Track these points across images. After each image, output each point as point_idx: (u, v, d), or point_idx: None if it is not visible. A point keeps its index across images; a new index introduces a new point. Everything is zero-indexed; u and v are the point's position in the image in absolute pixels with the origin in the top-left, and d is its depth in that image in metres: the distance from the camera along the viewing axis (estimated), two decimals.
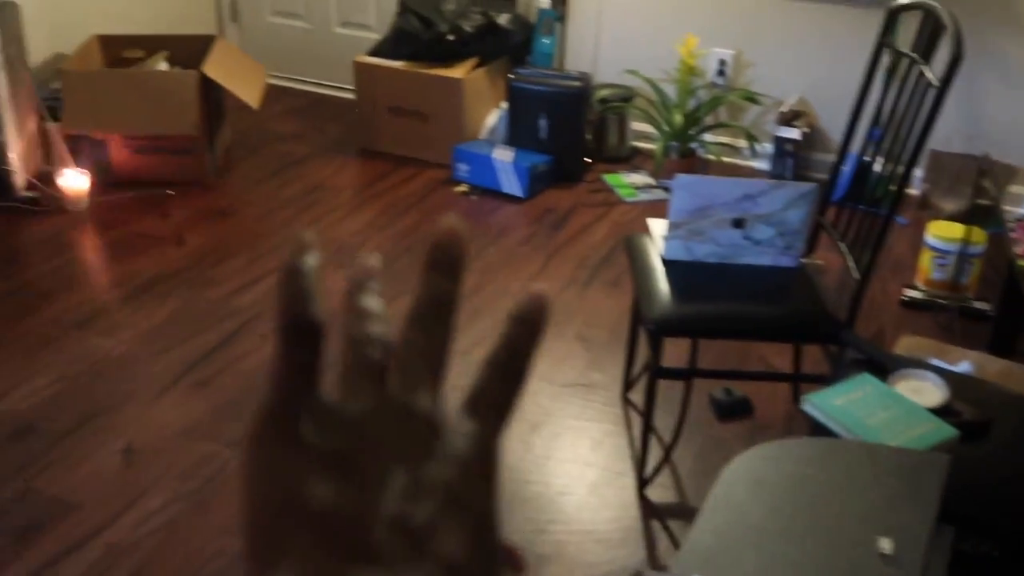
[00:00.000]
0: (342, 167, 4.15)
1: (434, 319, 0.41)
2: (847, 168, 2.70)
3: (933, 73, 2.12)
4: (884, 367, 2.00)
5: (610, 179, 4.09)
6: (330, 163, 4.17)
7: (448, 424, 0.39)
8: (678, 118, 3.98)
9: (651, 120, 4.10)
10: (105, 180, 3.77)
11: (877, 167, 2.35)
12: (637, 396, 2.72)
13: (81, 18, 4.17)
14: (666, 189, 3.99)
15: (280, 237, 3.55)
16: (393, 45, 4.16)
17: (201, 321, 3.04)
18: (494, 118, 4.18)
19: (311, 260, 0.41)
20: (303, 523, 0.37)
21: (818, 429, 1.87)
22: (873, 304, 3.18)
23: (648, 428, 2.36)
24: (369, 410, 0.39)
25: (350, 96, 4.48)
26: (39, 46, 3.98)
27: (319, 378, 0.39)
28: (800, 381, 2.62)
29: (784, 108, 4.04)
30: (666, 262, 2.37)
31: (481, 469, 0.39)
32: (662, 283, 2.30)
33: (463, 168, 3.96)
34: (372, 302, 0.42)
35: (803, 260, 2.38)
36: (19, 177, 3.63)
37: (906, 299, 3.25)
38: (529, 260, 3.47)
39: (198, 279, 3.27)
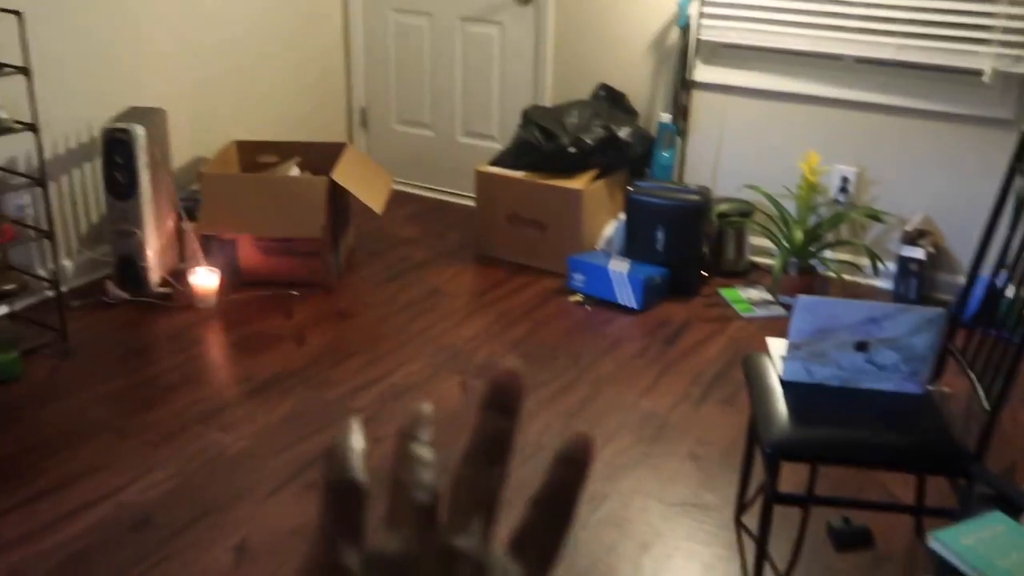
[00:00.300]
0: (459, 273, 4.22)
1: (488, 457, 0.41)
2: (977, 291, 2.62)
3: None
4: (1017, 505, 1.90)
5: (726, 294, 4.06)
6: (448, 268, 4.25)
7: (495, 567, 0.39)
8: (798, 234, 3.93)
9: (770, 235, 4.06)
10: (233, 279, 3.92)
11: (1009, 291, 2.27)
12: (751, 520, 2.64)
13: (221, 124, 4.40)
14: (784, 306, 3.93)
15: (397, 340, 3.61)
16: (515, 155, 4.25)
17: (318, 421, 3.09)
18: (611, 229, 4.21)
19: (356, 440, 0.42)
20: None
21: (944, 568, 1.77)
22: (1005, 436, 3.04)
23: (762, 555, 2.28)
24: (415, 552, 0.39)
25: (470, 203, 4.59)
26: (181, 149, 4.21)
27: (363, 531, 0.40)
28: (924, 514, 2.50)
29: (908, 227, 3.96)
30: (785, 383, 2.32)
31: None
32: (781, 404, 2.25)
33: (578, 278, 3.99)
34: (422, 449, 0.43)
35: (929, 387, 2.30)
36: (154, 273, 3.81)
37: None
38: (642, 373, 3.44)
39: (317, 379, 3.34)
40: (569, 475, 0.42)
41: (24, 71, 3.22)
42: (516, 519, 0.41)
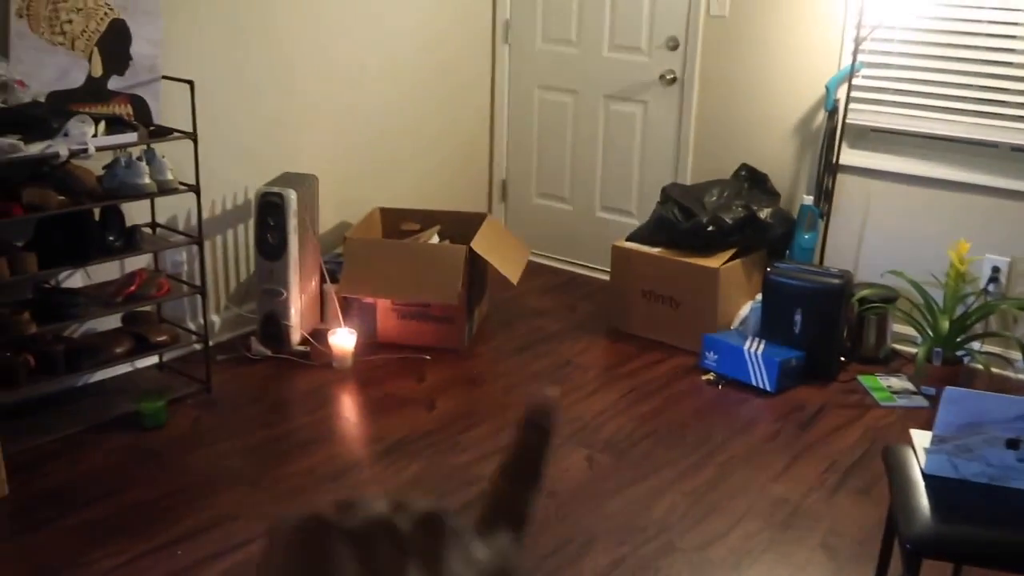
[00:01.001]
0: (591, 345, 4.22)
1: (521, 471, 0.42)
2: None
3: None
4: None
5: (866, 381, 3.93)
6: (579, 340, 4.26)
7: (472, 534, 0.40)
8: (944, 324, 3.79)
9: (914, 323, 3.93)
10: (370, 341, 4.02)
11: None
12: None
13: (368, 190, 4.55)
14: (927, 396, 3.78)
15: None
16: (652, 231, 4.25)
17: (444, 485, 3.11)
18: (747, 309, 4.15)
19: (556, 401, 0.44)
20: None
21: None
22: None
23: None
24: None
25: (604, 277, 4.60)
26: (328, 213, 4.37)
27: (541, 471, 0.41)
28: None
29: None
30: (928, 477, 2.22)
31: None
32: (923, 499, 2.15)
33: (711, 356, 3.93)
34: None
35: None
36: (296, 332, 3.93)
37: None
38: (773, 457, 3.35)
39: (445, 444, 3.37)
40: (534, 439, 0.42)
41: (192, 136, 3.41)
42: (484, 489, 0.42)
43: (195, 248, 3.68)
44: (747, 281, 4.23)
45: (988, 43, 3.85)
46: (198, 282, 3.67)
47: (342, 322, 3.94)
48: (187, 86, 3.38)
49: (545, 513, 2.92)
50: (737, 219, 4.12)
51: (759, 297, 4.09)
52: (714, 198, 4.21)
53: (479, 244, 3.97)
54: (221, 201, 4.01)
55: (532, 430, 0.43)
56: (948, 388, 2.18)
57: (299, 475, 3.14)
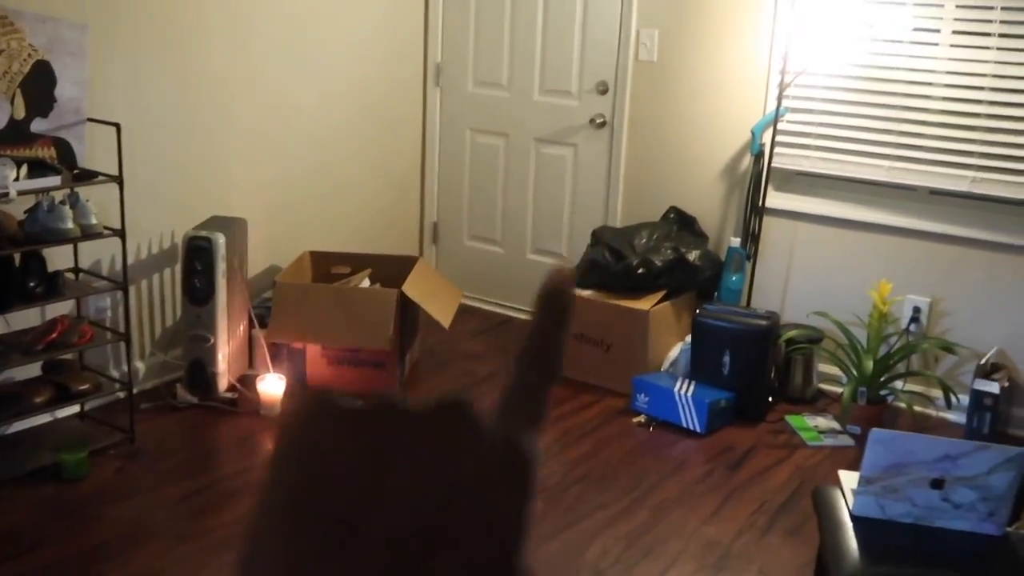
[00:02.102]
0: None
1: (538, 358, 0.41)
2: None
3: None
4: None
5: (793, 421, 3.98)
6: None
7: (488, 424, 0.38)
8: (868, 364, 3.87)
9: (839, 363, 4.00)
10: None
11: None
12: None
13: (297, 234, 4.51)
14: (852, 435, 3.85)
15: None
16: (583, 274, 4.28)
17: None
18: (677, 351, 4.19)
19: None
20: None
21: None
22: None
23: None
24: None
25: None
26: (257, 258, 4.31)
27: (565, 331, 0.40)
28: None
29: (983, 360, 3.88)
30: (856, 518, 2.25)
31: (511, 468, 0.37)
32: (852, 541, 2.18)
33: (642, 398, 3.95)
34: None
35: (1008, 529, 2.22)
36: (223, 378, 3.86)
37: None
38: (705, 499, 3.37)
39: None
40: (549, 321, 0.40)
41: (118, 180, 3.35)
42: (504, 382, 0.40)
43: (119, 294, 3.60)
44: (677, 323, 4.27)
45: (906, 90, 3.97)
46: (122, 328, 3.59)
47: (271, 368, 3.89)
48: (113, 128, 3.33)
49: None
50: (666, 261, 4.17)
51: (688, 339, 4.13)
52: (644, 240, 4.25)
53: (410, 287, 3.96)
54: (147, 245, 3.94)
55: (547, 312, 0.41)
56: (874, 430, 2.22)
57: (227, 527, 3.06)
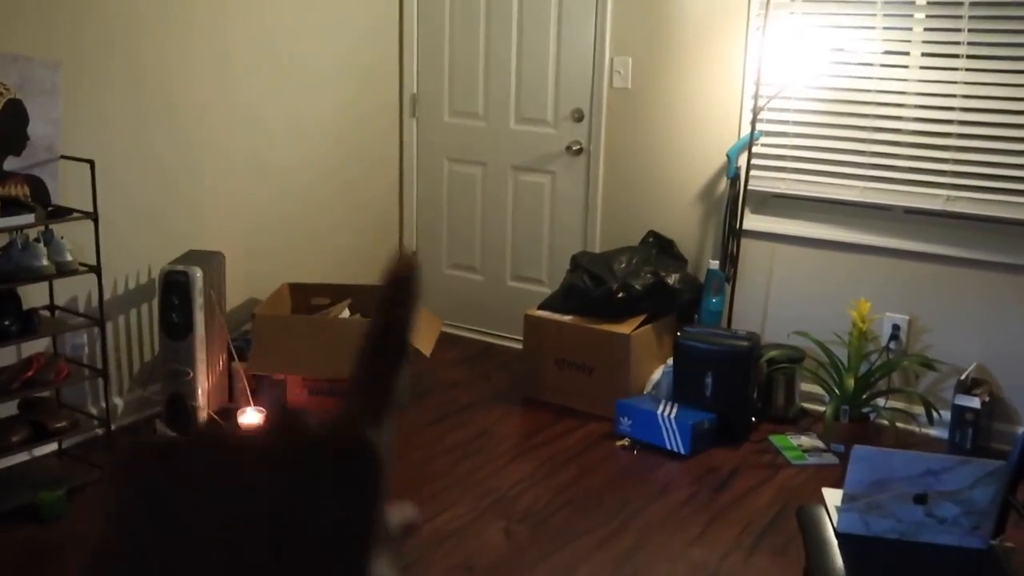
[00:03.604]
0: (506, 415, 4.20)
1: (381, 349, 0.41)
2: None
3: None
4: None
5: (777, 440, 3.99)
6: (494, 411, 4.24)
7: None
8: (850, 382, 3.88)
9: (820, 382, 4.01)
10: None
11: None
12: None
13: (276, 266, 4.50)
14: (836, 454, 3.85)
15: (442, 483, 3.58)
16: (563, 299, 4.28)
17: None
18: (659, 374, 4.19)
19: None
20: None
21: None
22: None
23: None
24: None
25: (517, 346, 4.60)
26: (236, 290, 4.30)
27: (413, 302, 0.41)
28: None
29: (963, 376, 3.90)
30: (841, 535, 2.25)
31: (347, 467, 0.38)
32: (837, 559, 2.18)
33: (626, 422, 3.95)
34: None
35: (993, 542, 2.22)
36: (203, 412, 3.83)
37: None
38: (690, 521, 3.36)
39: None
40: (398, 304, 0.41)
41: (92, 216, 3.34)
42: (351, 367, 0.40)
43: (96, 330, 3.57)
44: (658, 346, 4.28)
45: (878, 111, 4.01)
46: (99, 365, 3.56)
47: (251, 401, 3.86)
48: (87, 165, 3.32)
49: None
50: (646, 285, 4.18)
51: (670, 361, 4.14)
52: (623, 265, 4.26)
53: None
54: (124, 280, 3.91)
55: (394, 295, 0.41)
56: (856, 447, 2.22)
57: None
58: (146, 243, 3.96)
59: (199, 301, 3.73)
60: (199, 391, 3.80)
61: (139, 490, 0.37)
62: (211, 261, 3.89)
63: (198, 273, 3.73)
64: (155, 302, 3.90)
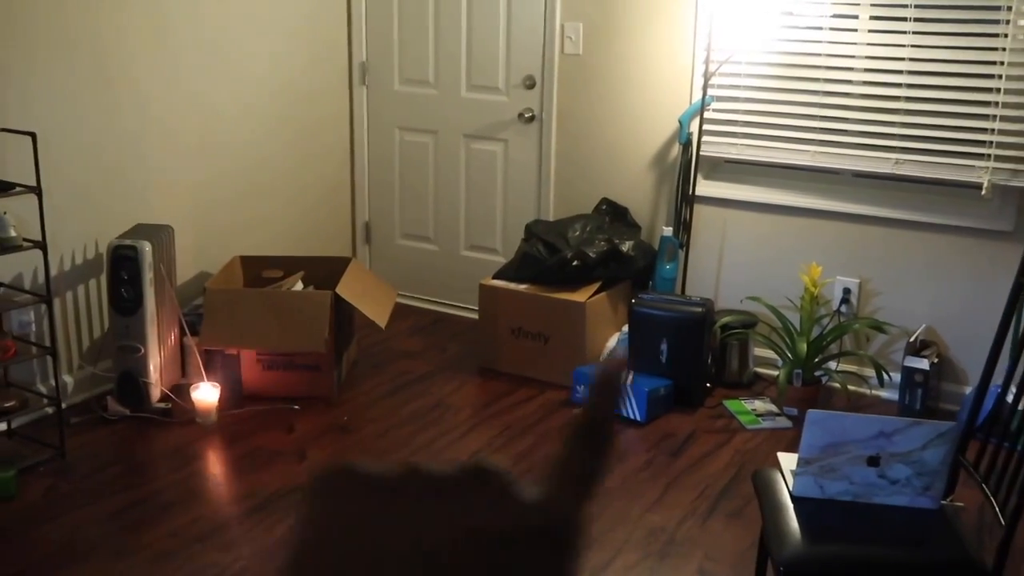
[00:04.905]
0: (463, 385, 4.20)
1: (588, 437, 0.44)
2: (987, 402, 2.60)
3: None
4: None
5: (731, 405, 4.03)
6: (451, 381, 4.23)
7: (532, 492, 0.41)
8: (802, 346, 3.93)
9: (773, 347, 4.06)
10: (235, 394, 3.90)
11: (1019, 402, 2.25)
12: None
13: (227, 239, 4.43)
14: (789, 417, 3.90)
15: (400, 454, 3.57)
16: (518, 268, 4.27)
17: None
18: (614, 341, 4.20)
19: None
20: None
21: None
22: (1021, 551, 2.97)
23: None
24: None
25: (473, 316, 4.59)
26: (186, 265, 4.23)
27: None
28: None
29: (912, 338, 3.96)
30: (796, 498, 2.28)
31: (554, 534, 0.40)
32: (792, 521, 2.21)
33: (582, 390, 3.96)
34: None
35: (944, 502, 2.26)
36: (155, 389, 3.78)
37: None
38: (647, 486, 3.39)
39: None
40: (604, 401, 0.44)
41: (35, 190, 3.26)
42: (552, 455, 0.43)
43: (43, 307, 3.50)
44: (613, 313, 4.29)
45: (827, 75, 4.03)
46: (48, 342, 3.50)
47: (205, 376, 3.81)
48: (29, 138, 3.23)
49: None
50: (600, 253, 4.18)
51: (625, 328, 4.15)
52: (577, 233, 4.26)
53: (344, 289, 3.91)
54: (71, 256, 3.84)
55: (601, 394, 0.45)
56: (810, 411, 2.24)
57: (164, 539, 3.00)
58: (92, 217, 3.88)
59: (149, 276, 3.67)
60: (151, 367, 3.74)
61: (332, 521, 0.41)
62: (160, 235, 3.82)
63: (147, 247, 3.67)
64: (103, 277, 3.84)
